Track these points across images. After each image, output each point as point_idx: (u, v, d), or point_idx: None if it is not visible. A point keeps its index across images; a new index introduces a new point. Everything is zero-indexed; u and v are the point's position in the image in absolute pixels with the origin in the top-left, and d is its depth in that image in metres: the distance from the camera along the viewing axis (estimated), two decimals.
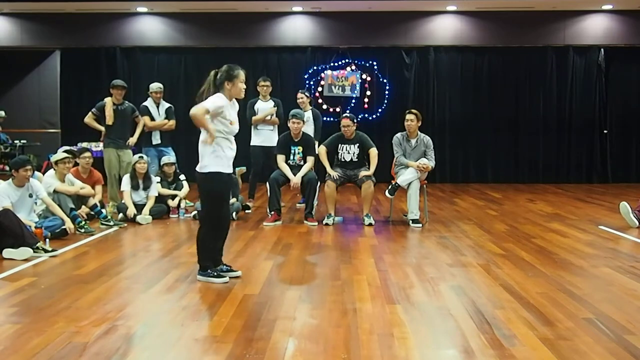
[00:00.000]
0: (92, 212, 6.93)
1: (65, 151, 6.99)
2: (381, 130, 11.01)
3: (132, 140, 8.03)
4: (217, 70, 4.46)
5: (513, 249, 5.66)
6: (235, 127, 4.47)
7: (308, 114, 8.32)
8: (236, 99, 4.52)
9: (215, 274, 4.45)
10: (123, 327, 3.42)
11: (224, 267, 4.57)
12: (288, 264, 5.07)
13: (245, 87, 4.50)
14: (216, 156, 4.36)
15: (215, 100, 4.31)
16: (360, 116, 11.37)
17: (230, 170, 4.49)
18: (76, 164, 7.24)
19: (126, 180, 7.45)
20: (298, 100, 8.36)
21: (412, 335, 3.31)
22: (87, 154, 7.42)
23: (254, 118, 8.06)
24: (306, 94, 8.50)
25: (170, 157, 8.03)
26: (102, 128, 7.93)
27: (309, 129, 8.15)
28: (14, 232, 5.29)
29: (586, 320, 3.56)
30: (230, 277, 4.50)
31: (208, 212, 4.53)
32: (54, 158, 6.79)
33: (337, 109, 11.80)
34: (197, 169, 4.44)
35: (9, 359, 2.99)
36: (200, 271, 4.49)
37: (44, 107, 12.68)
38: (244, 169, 8.60)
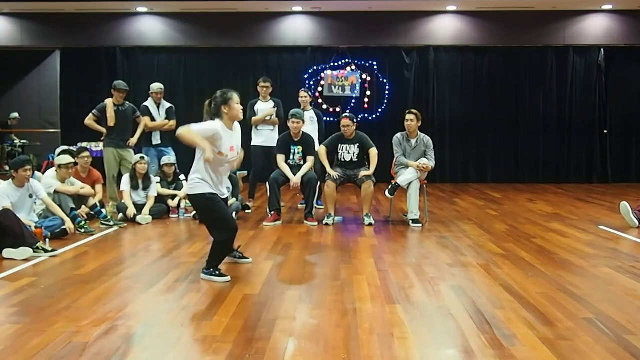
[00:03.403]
0: (92, 212, 6.93)
1: (64, 151, 6.97)
2: (381, 130, 11.01)
3: (133, 141, 8.02)
4: (211, 100, 4.49)
5: (513, 249, 5.66)
6: (225, 159, 4.47)
7: (311, 114, 8.32)
8: (238, 122, 4.60)
9: (217, 273, 4.49)
10: (123, 327, 3.42)
11: (237, 253, 4.80)
12: (288, 264, 5.07)
13: (242, 107, 4.55)
14: (201, 179, 4.42)
15: (206, 125, 4.36)
16: (360, 116, 11.38)
17: (217, 191, 4.51)
18: (75, 164, 7.23)
19: (126, 180, 7.45)
20: (300, 99, 8.35)
21: (412, 335, 3.31)
22: (86, 153, 7.42)
23: (254, 119, 8.06)
24: (309, 92, 8.52)
25: (170, 157, 8.02)
26: (103, 129, 7.92)
27: (311, 129, 8.15)
28: (14, 232, 5.29)
29: (586, 320, 3.56)
30: (242, 264, 4.74)
31: (209, 223, 4.62)
32: (58, 161, 6.77)
33: (337, 109, 11.80)
34: (186, 190, 4.59)
35: (9, 359, 2.99)
36: (205, 269, 4.54)
37: (44, 107, 12.70)
38: (245, 172, 8.60)
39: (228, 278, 4.47)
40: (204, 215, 4.66)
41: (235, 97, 4.46)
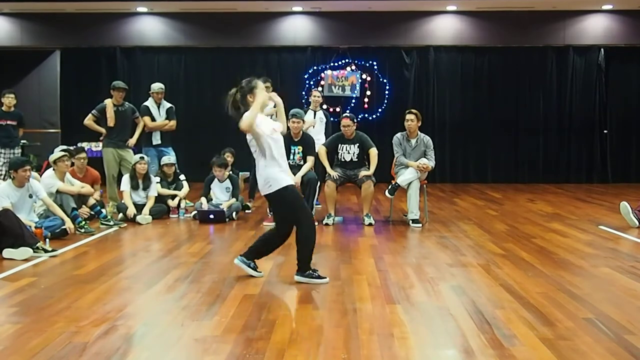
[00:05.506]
0: (92, 212, 6.93)
1: (61, 150, 6.94)
2: (381, 130, 10.99)
3: (132, 141, 8.02)
4: (236, 89, 4.48)
5: (513, 249, 5.66)
6: (277, 136, 4.52)
7: (320, 115, 8.36)
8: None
9: (317, 275, 4.43)
10: (123, 327, 3.42)
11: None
12: (288, 264, 5.06)
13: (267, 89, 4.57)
14: (278, 170, 4.40)
15: (256, 117, 4.35)
16: (360, 116, 11.36)
17: (291, 180, 4.50)
18: (72, 164, 7.23)
19: (126, 180, 7.45)
20: (313, 98, 8.42)
21: (412, 335, 3.31)
22: (82, 154, 7.45)
23: None
24: (322, 93, 8.60)
25: (170, 157, 8.03)
26: (103, 130, 7.93)
27: (320, 129, 8.19)
28: (14, 232, 5.28)
29: (586, 320, 3.56)
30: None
31: (298, 219, 4.47)
32: (52, 157, 6.77)
33: (337, 109, 11.79)
34: (263, 192, 4.46)
35: (9, 359, 2.99)
36: (300, 272, 4.45)
37: (44, 107, 12.66)
38: (247, 173, 8.60)
39: (327, 280, 4.42)
40: (288, 209, 4.45)
41: (260, 85, 4.46)
